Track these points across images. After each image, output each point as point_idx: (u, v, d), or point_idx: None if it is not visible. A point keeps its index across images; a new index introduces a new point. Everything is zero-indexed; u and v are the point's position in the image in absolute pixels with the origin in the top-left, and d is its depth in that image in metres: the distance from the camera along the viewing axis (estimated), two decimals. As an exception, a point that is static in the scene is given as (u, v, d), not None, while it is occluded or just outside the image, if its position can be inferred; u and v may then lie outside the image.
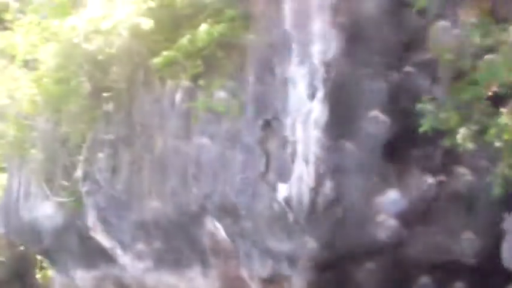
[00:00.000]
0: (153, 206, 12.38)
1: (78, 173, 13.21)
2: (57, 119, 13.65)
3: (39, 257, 20.57)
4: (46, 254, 15.90)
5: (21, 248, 20.53)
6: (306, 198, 10.31)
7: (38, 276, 21.32)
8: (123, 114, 12.82)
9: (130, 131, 12.77)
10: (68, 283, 15.64)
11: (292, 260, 10.89)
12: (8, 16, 14.49)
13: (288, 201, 10.45)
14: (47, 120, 13.81)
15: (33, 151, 13.98)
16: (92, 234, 13.71)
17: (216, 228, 11.67)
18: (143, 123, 12.59)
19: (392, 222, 10.42)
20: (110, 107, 12.86)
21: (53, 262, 16.08)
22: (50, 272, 20.52)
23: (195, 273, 12.53)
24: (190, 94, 11.80)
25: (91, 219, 13.54)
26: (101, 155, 12.99)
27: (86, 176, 13.22)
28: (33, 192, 14.53)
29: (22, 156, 14.48)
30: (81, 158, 13.14)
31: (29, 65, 14.53)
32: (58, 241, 14.68)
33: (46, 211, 14.28)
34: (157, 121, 12.34)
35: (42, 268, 21.20)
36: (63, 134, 13.58)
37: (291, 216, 10.52)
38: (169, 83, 12.11)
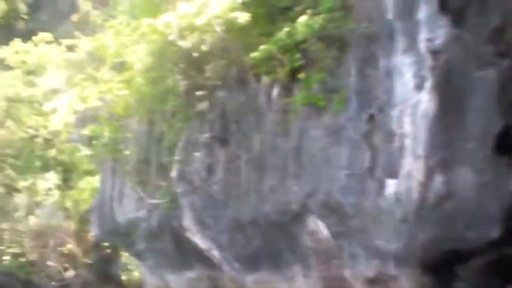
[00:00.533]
0: (251, 206, 12.10)
1: (173, 173, 13.03)
2: (150, 120, 13.51)
3: (124, 259, 20.71)
4: (139, 255, 15.82)
5: (108, 250, 20.72)
6: (416, 193, 9.89)
7: (124, 278, 21.45)
8: (217, 112, 12.59)
9: (225, 130, 12.55)
10: (160, 285, 15.53)
11: (399, 259, 10.46)
12: (98, 20, 14.46)
13: (396, 197, 10.03)
14: (139, 121, 13.69)
15: (126, 152, 13.89)
16: (188, 235, 13.51)
17: (318, 227, 11.30)
18: (238, 121, 12.34)
19: (504, 219, 9.91)
20: (204, 105, 12.64)
21: (146, 264, 15.98)
22: (136, 274, 20.60)
23: (295, 273, 12.20)
24: (287, 89, 11.49)
25: (187, 220, 13.33)
26: (196, 154, 12.77)
27: (181, 177, 13.03)
28: (127, 194, 14.47)
29: (115, 158, 14.44)
30: (175, 158, 12.94)
31: (116, 67, 14.50)
32: (152, 243, 14.58)
33: (140, 213, 14.18)
34: (252, 118, 12.08)
35: (127, 270, 21.32)
36: (156, 135, 13.44)
37: (399, 213, 10.10)
38: (265, 78, 11.82)
